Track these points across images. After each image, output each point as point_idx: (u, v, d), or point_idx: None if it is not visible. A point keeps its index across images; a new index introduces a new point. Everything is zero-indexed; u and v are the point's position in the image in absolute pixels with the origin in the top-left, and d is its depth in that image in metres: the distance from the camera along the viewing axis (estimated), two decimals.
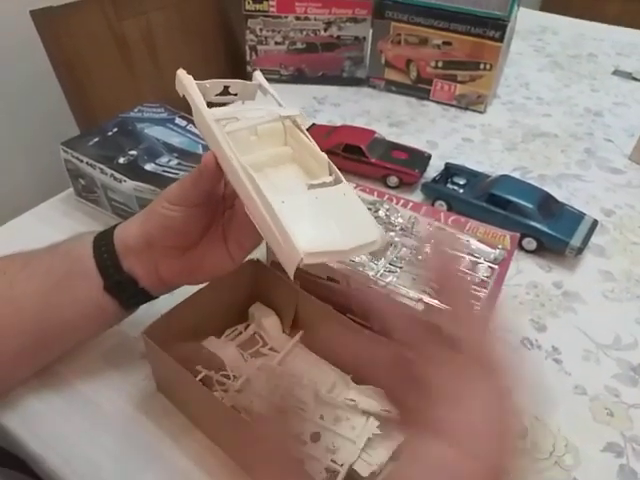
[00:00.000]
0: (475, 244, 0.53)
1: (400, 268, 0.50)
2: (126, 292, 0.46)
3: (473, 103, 0.97)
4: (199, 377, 0.48)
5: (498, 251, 0.52)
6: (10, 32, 0.90)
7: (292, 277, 0.34)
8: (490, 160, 0.85)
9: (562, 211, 0.68)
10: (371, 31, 0.99)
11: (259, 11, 0.97)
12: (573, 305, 0.60)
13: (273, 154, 0.42)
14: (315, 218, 0.35)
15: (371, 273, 0.49)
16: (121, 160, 0.67)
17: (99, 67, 0.88)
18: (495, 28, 0.88)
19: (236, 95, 0.44)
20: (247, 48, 1.01)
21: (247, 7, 0.96)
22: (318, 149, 0.41)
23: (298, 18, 0.98)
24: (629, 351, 0.55)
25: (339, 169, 0.39)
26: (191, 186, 0.42)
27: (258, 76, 0.45)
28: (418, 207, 0.59)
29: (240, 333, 0.53)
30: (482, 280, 0.49)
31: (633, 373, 0.53)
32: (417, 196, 0.75)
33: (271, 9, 0.97)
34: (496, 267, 0.51)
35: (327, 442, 0.42)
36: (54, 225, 0.68)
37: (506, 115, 0.98)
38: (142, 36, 0.93)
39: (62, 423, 0.47)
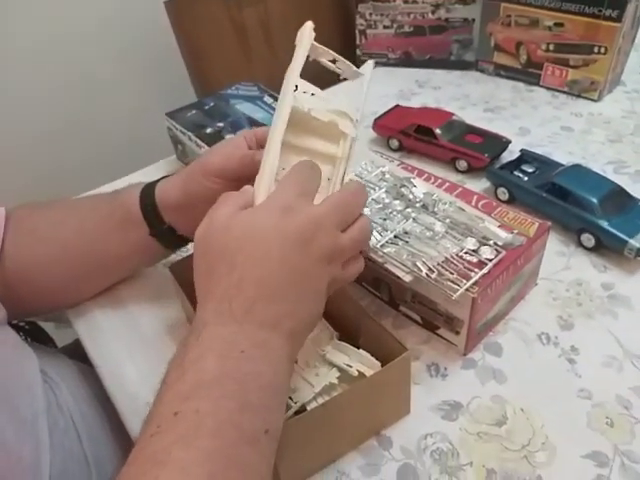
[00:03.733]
0: (491, 227, 0.51)
1: (406, 242, 0.51)
2: (167, 239, 0.55)
3: (586, 90, 0.89)
4: None
5: (512, 236, 0.50)
6: (146, 19, 1.07)
7: None
8: (584, 151, 0.78)
9: (634, 208, 0.61)
10: (480, 13, 0.96)
11: None
12: (616, 309, 0.54)
13: (321, 150, 0.45)
14: None
15: (372, 242, 0.51)
16: (208, 130, 0.77)
17: (218, 50, 1.00)
18: (612, 6, 0.79)
19: (340, 70, 0.48)
20: (357, 32, 1.05)
21: None
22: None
23: (406, 1, 0.99)
24: None
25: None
26: (238, 160, 0.48)
27: (367, 67, 0.49)
28: (453, 188, 0.59)
29: None
30: (480, 261, 0.48)
31: None
32: (484, 182, 0.73)
33: None
34: (503, 251, 0.49)
35: (292, 382, 0.46)
36: None
37: (624, 104, 0.87)
38: (260, 23, 1.03)
39: (110, 332, 0.58)
